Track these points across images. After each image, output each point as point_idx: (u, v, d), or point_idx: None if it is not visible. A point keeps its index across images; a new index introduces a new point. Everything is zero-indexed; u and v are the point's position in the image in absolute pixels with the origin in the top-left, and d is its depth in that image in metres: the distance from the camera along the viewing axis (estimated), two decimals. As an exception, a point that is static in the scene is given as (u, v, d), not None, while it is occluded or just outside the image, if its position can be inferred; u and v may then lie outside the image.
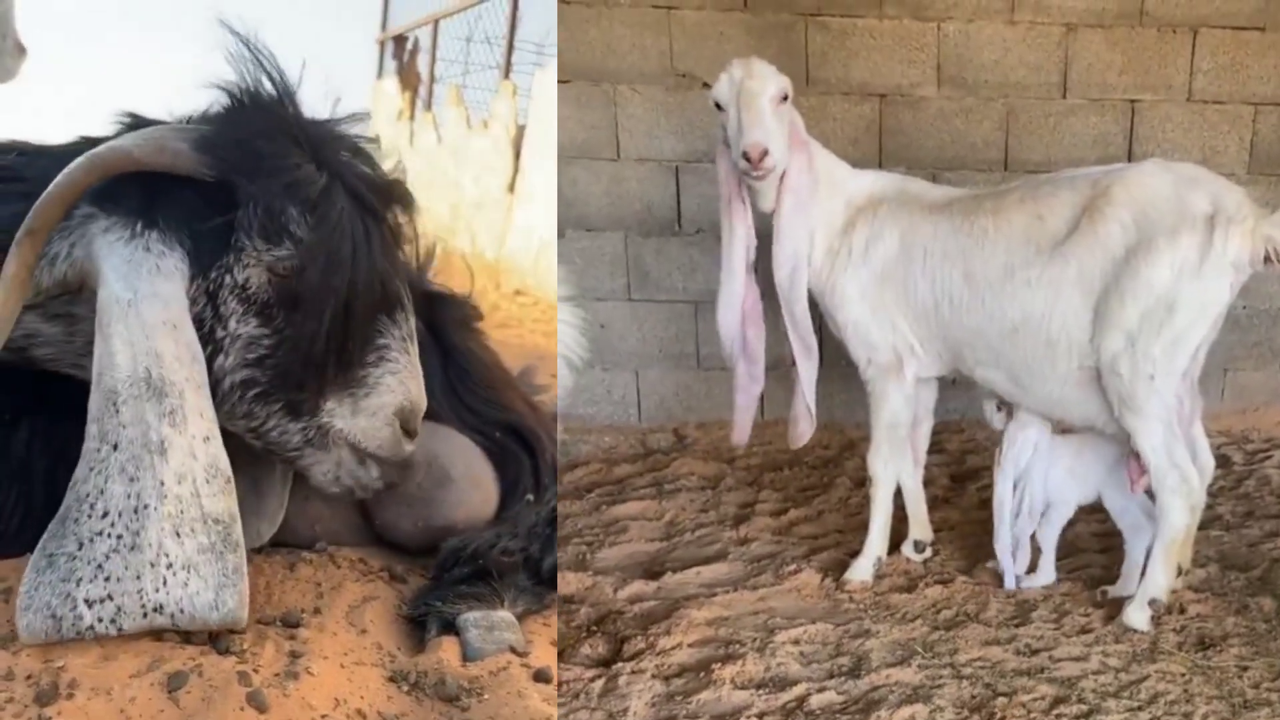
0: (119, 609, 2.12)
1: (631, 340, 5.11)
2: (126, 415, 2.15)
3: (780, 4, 4.72)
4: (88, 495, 2.14)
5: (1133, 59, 4.87)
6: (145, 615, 2.13)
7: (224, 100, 2.42)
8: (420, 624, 2.55)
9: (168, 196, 2.31)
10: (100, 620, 2.11)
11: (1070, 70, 4.87)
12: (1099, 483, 3.40)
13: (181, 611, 2.15)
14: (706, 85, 4.72)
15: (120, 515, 2.13)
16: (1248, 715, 2.67)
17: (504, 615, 2.52)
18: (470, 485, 2.95)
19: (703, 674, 2.91)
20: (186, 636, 2.24)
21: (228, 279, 2.34)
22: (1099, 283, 3.10)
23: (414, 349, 2.60)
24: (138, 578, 2.12)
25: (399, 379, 2.54)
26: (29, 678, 2.05)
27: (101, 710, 1.99)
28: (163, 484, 2.15)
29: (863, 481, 3.96)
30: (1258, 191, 3.14)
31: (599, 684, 2.87)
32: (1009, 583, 3.42)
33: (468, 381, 3.24)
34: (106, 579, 2.11)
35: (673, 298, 5.08)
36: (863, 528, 3.62)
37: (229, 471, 2.26)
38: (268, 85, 2.41)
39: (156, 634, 2.22)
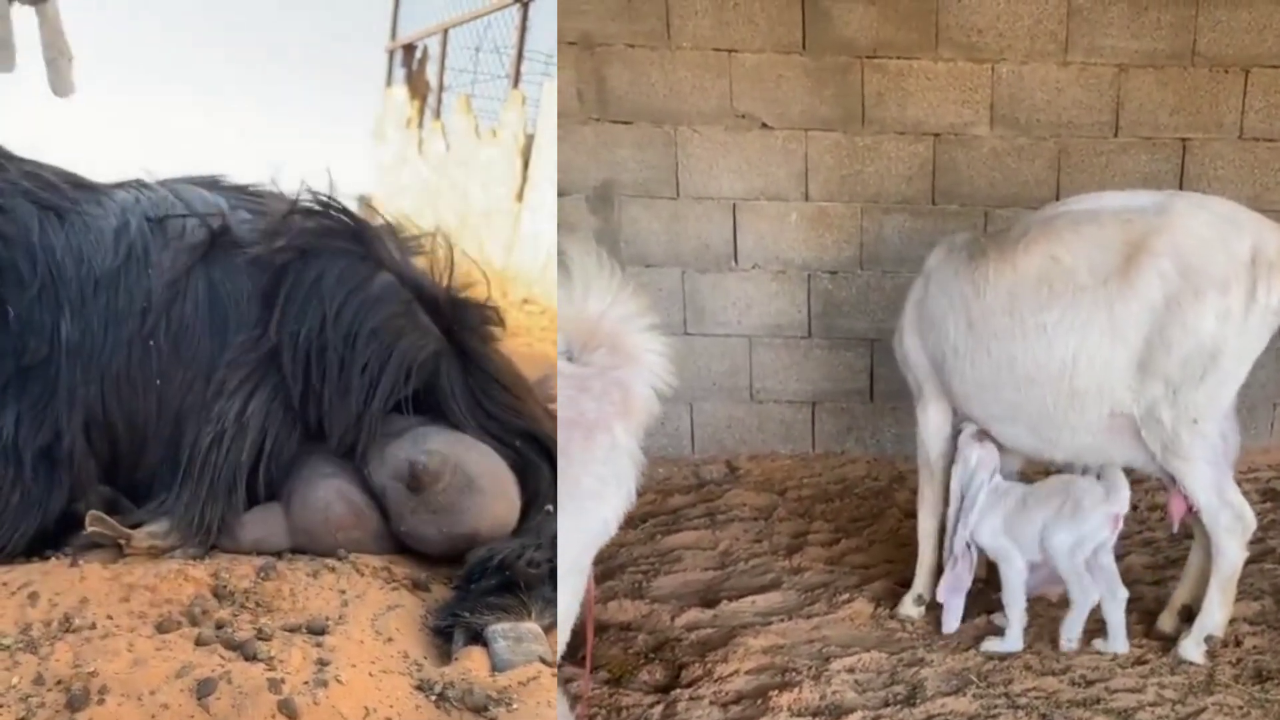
0: None
1: (686, 373, 5.15)
2: None
3: (838, 46, 4.82)
4: None
5: (1184, 98, 4.90)
6: None
7: None
8: (445, 634, 2.56)
9: None
10: None
11: (1122, 110, 4.91)
12: (1036, 537, 3.21)
13: None
14: (765, 125, 4.86)
15: None
16: (1304, 748, 2.69)
17: (531, 627, 2.54)
18: (495, 494, 2.97)
19: (760, 701, 2.96)
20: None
21: None
22: (1133, 331, 3.03)
23: None
24: None
25: None
26: (59, 683, 2.09)
27: (133, 715, 2.04)
28: None
29: (912, 513, 4.00)
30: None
31: (658, 710, 2.94)
32: (946, 623, 3.41)
33: (490, 390, 3.23)
34: None
35: (727, 332, 5.16)
36: (913, 559, 3.66)
37: None
38: None
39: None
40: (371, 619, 2.54)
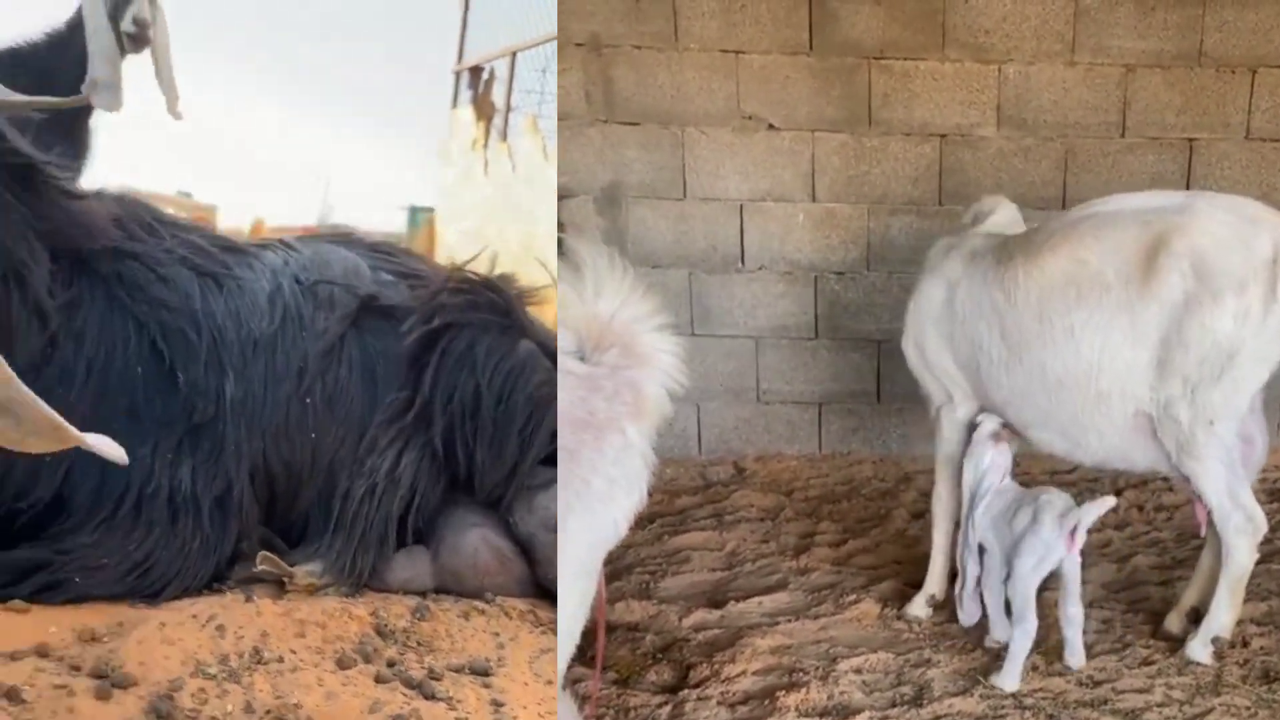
0: None
1: (692, 374, 5.11)
2: None
3: (845, 47, 4.84)
4: None
5: (1191, 99, 4.91)
6: None
7: None
8: None
9: None
10: None
11: (1129, 110, 4.92)
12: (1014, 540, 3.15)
13: None
14: (772, 127, 4.87)
15: None
16: (1312, 749, 2.69)
17: None
18: None
19: (767, 701, 2.96)
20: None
21: None
22: (1154, 330, 3.03)
23: None
24: None
25: None
26: (269, 712, 2.18)
27: (341, 743, 2.12)
28: None
29: (918, 514, 4.00)
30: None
31: (666, 710, 2.94)
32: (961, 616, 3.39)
33: None
34: None
35: (734, 333, 5.17)
36: (919, 559, 3.67)
37: None
38: None
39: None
40: (529, 661, 2.62)
